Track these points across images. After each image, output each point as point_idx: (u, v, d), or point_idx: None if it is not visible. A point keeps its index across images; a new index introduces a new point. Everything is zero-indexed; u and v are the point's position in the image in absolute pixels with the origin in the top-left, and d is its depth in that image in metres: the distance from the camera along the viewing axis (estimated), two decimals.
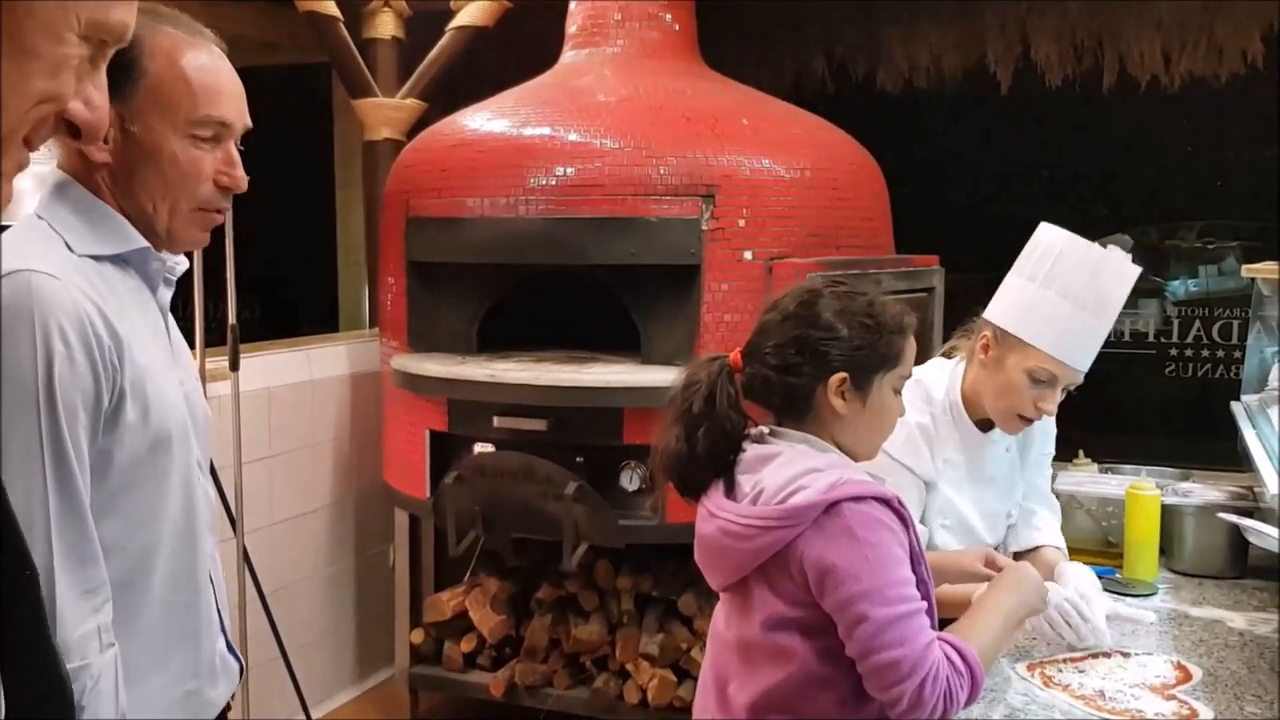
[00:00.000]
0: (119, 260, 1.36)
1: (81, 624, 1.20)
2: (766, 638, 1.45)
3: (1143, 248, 4.52)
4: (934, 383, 2.06)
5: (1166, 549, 2.32)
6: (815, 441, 1.50)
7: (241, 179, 1.40)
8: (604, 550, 3.38)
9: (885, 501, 1.41)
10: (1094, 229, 4.46)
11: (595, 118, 3.35)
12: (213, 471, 1.72)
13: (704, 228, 3.17)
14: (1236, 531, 2.17)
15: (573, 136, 3.31)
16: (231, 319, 3.05)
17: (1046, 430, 2.21)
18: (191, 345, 2.18)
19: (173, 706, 1.38)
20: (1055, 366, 1.93)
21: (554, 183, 3.25)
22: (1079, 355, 1.96)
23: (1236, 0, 4.17)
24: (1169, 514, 2.31)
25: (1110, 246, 2.00)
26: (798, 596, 1.42)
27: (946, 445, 2.02)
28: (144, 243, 1.37)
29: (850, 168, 3.53)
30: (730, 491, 1.50)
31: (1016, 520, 2.17)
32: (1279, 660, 1.81)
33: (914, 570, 1.42)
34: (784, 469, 1.45)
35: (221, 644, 1.48)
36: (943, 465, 2.01)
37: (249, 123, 1.42)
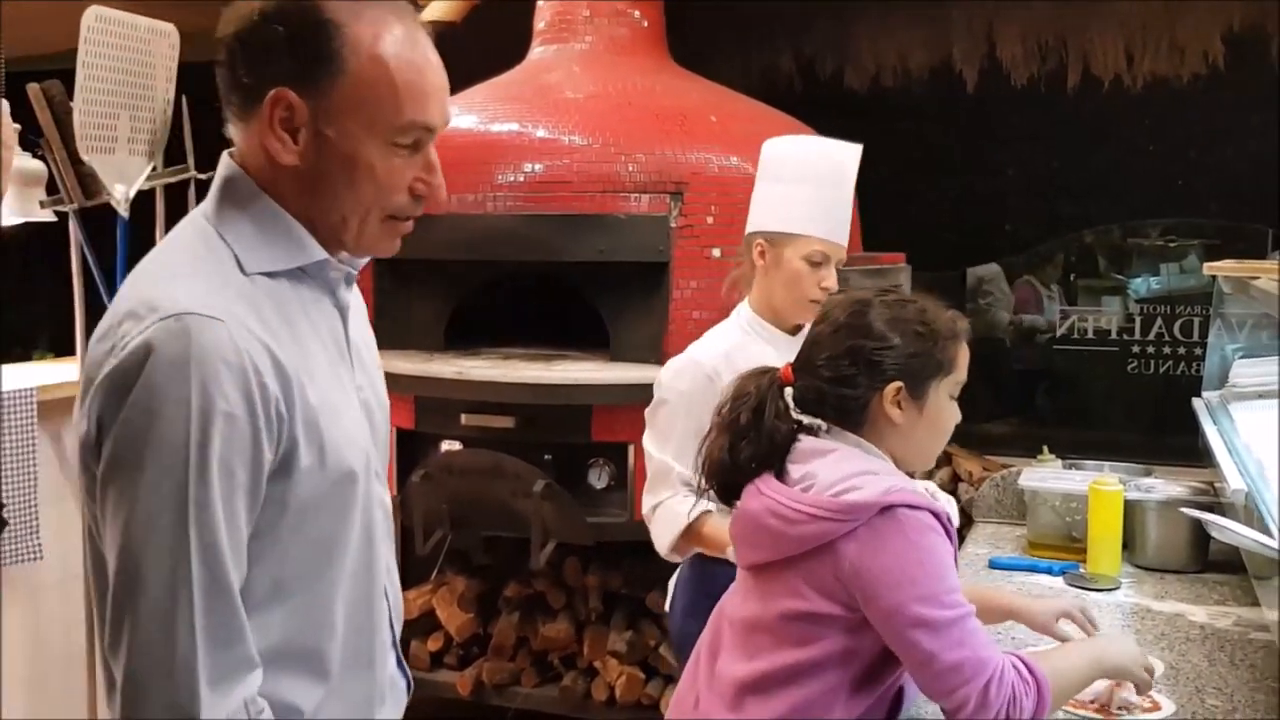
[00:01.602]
0: (295, 272, 1.22)
1: (223, 706, 1.09)
2: (782, 624, 1.44)
3: (1106, 246, 4.56)
4: (717, 330, 2.27)
5: (1129, 544, 2.35)
6: (869, 447, 1.50)
7: (440, 189, 1.23)
8: (572, 548, 3.37)
9: (936, 515, 1.40)
10: (1057, 227, 4.52)
11: (564, 114, 3.34)
12: None
13: (672, 225, 3.17)
14: (1198, 526, 2.20)
15: (541, 133, 3.30)
16: None
17: None
18: None
19: None
20: (824, 245, 2.16)
21: (522, 179, 3.24)
22: (838, 230, 2.19)
23: (1197, 1, 4.23)
24: (1132, 509, 2.34)
25: (825, 139, 2.33)
26: (835, 594, 1.40)
27: (766, 360, 2.05)
28: (320, 254, 1.22)
29: None
30: (780, 476, 1.50)
31: None
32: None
33: None
34: (839, 465, 1.45)
35: (393, 663, 1.36)
36: None
37: (449, 117, 1.25)
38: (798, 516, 1.41)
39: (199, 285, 1.13)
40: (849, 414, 1.50)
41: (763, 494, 1.48)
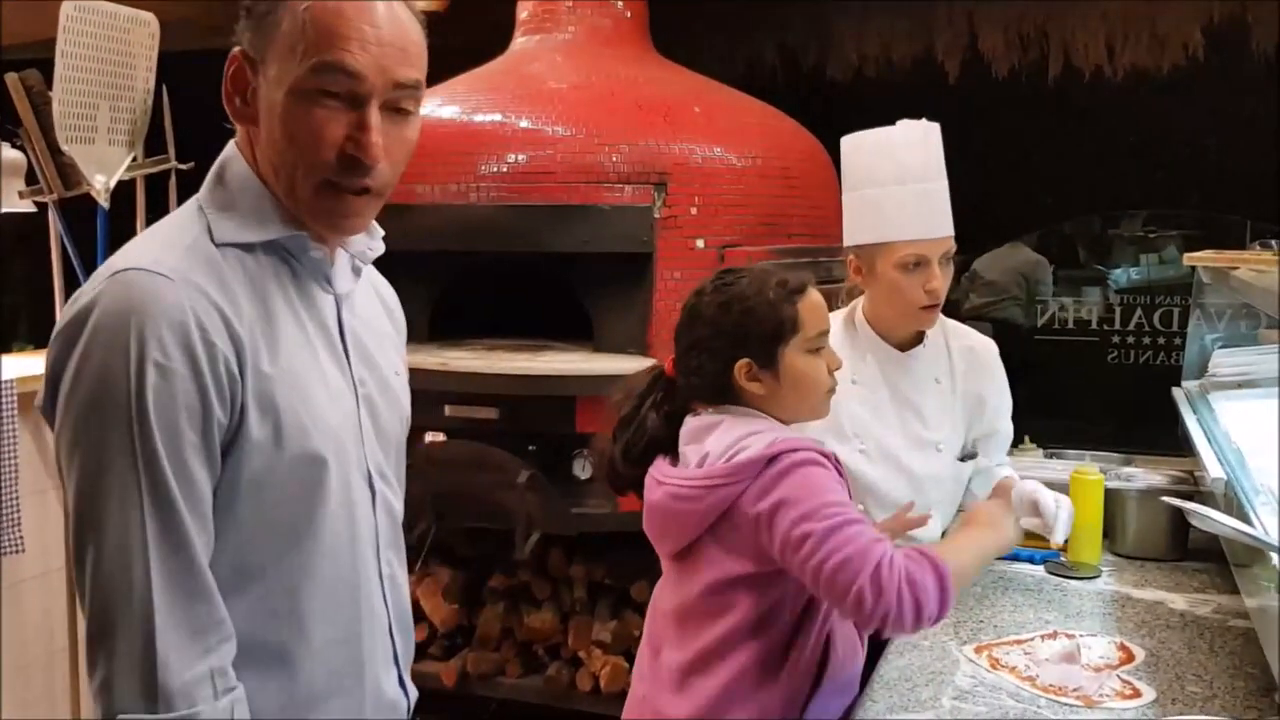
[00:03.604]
0: (273, 248, 1.20)
1: (188, 668, 1.08)
2: (707, 600, 1.51)
3: (1086, 237, 4.59)
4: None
5: (1110, 532, 2.36)
6: (750, 412, 1.58)
7: (369, 146, 1.15)
8: (556, 539, 3.37)
9: (823, 455, 1.49)
10: (1039, 217, 4.54)
11: (547, 105, 3.34)
12: None
13: (656, 215, 3.17)
14: (1178, 515, 2.22)
15: (524, 123, 3.29)
16: None
17: (999, 408, 2.21)
18: None
19: None
20: (914, 246, 2.00)
21: (505, 170, 3.23)
22: (926, 224, 2.02)
23: None
24: (1112, 498, 2.35)
25: (899, 122, 2.09)
26: (746, 549, 1.47)
27: (857, 366, 2.05)
28: (293, 230, 1.20)
29: (801, 156, 3.55)
30: (675, 462, 1.59)
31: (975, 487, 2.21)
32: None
33: None
34: (727, 434, 1.53)
35: (391, 678, 1.31)
36: (852, 386, 2.02)
37: (402, 78, 1.17)
38: (696, 492, 1.49)
39: (158, 248, 1.14)
40: (721, 393, 1.59)
41: (662, 483, 1.56)
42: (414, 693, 1.38)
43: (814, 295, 1.61)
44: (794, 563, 1.43)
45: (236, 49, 1.19)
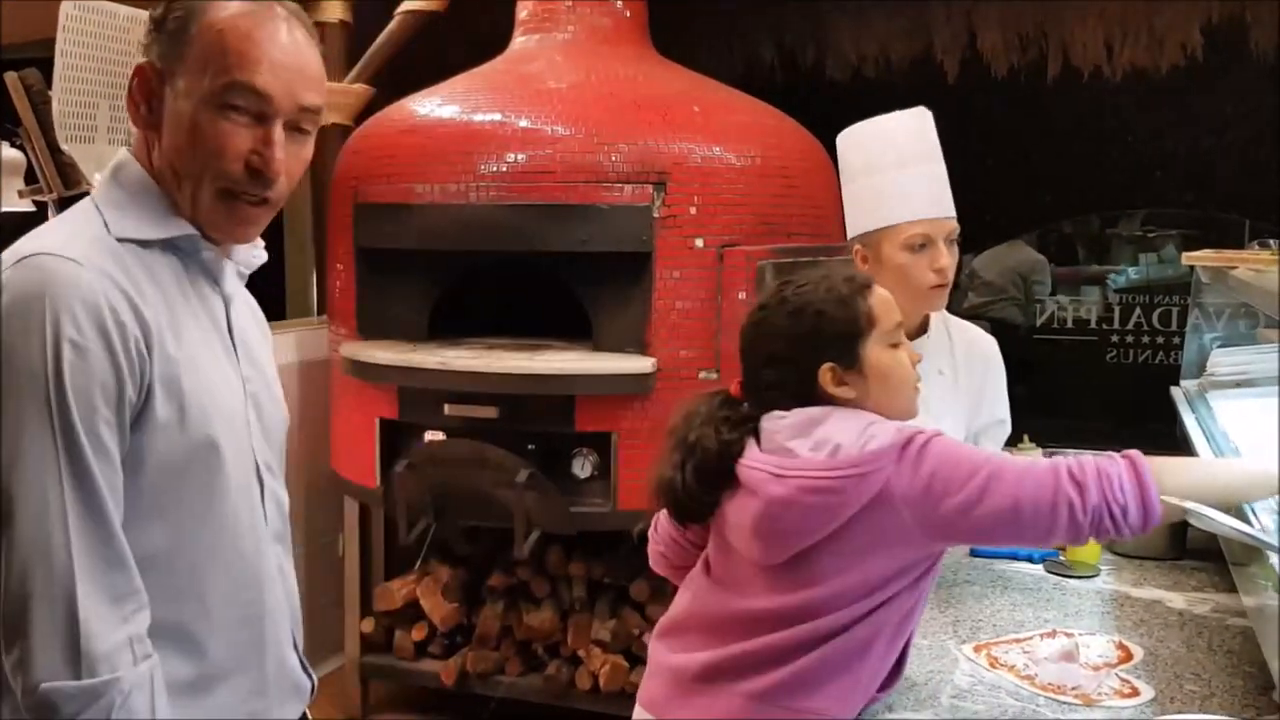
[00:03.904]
0: (168, 247, 1.26)
1: (110, 634, 1.12)
2: (818, 597, 1.44)
3: (1085, 236, 4.60)
4: None
5: None
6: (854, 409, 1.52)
7: (272, 161, 1.24)
8: (556, 537, 3.38)
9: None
10: (1038, 217, 4.55)
11: (546, 104, 3.34)
12: None
13: (655, 215, 3.17)
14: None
15: (524, 123, 3.29)
16: None
17: (1000, 400, 2.21)
18: None
19: None
20: (918, 226, 1.98)
21: (505, 169, 3.23)
22: (929, 204, 2.00)
23: None
24: None
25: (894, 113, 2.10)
26: (893, 536, 1.41)
27: None
28: (189, 229, 1.26)
29: (800, 156, 3.55)
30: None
31: None
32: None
33: None
34: (847, 423, 1.46)
35: (292, 660, 1.39)
36: None
37: (307, 103, 1.27)
38: (840, 482, 1.41)
39: (63, 237, 1.20)
40: (807, 403, 1.52)
41: (785, 477, 1.45)
42: (314, 677, 1.45)
43: (880, 289, 1.57)
44: (976, 518, 1.38)
45: (142, 61, 1.26)
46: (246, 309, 1.42)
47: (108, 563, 1.13)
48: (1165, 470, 1.43)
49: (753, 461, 1.50)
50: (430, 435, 3.35)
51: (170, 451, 1.19)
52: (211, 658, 1.25)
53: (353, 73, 4.28)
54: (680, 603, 1.63)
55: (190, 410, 1.20)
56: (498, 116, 3.33)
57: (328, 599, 3.95)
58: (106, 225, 1.23)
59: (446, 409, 3.26)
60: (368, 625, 3.65)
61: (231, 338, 1.33)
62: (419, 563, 3.73)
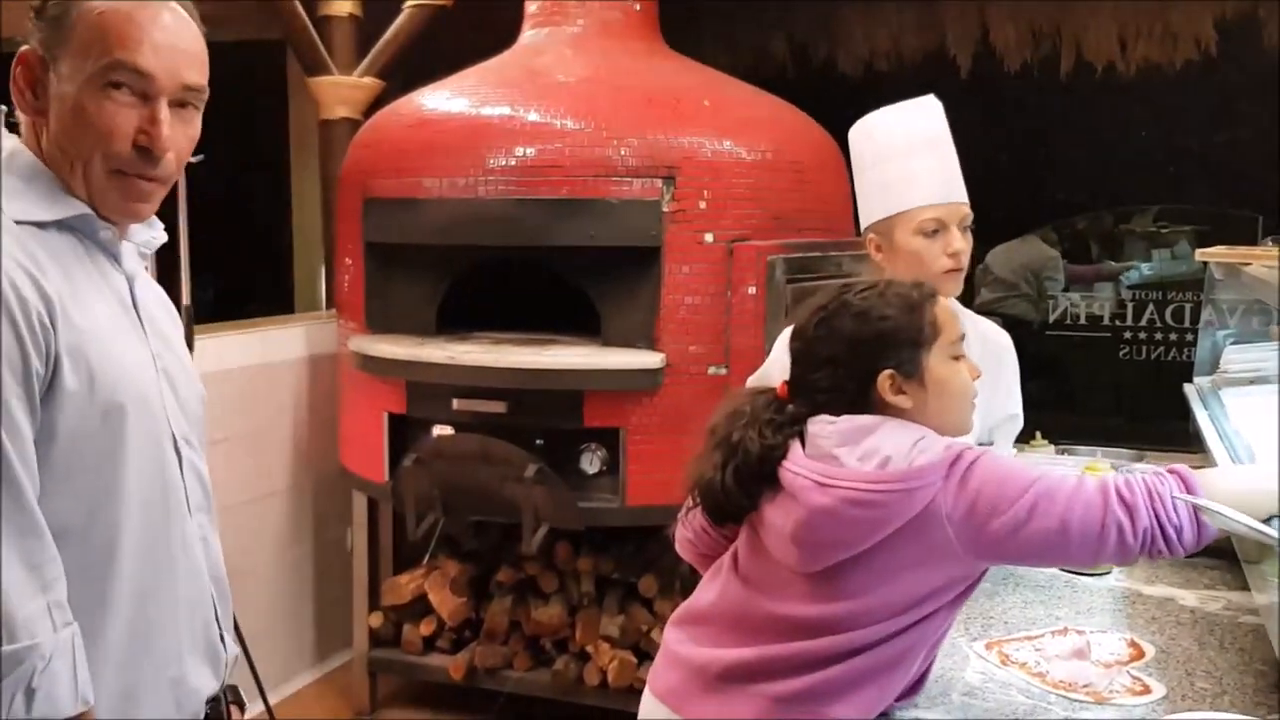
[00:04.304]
0: (65, 227, 1.28)
1: (28, 601, 1.14)
2: (855, 608, 1.42)
3: (1098, 232, 4.57)
4: None
5: None
6: (900, 420, 1.49)
7: (159, 139, 1.27)
8: (564, 532, 3.38)
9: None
10: (1050, 213, 4.52)
11: (555, 98, 3.33)
12: None
13: (665, 209, 3.16)
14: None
15: (532, 117, 3.28)
16: (186, 300, 3.01)
17: (1014, 394, 2.20)
18: None
19: (158, 692, 1.32)
20: (929, 212, 1.98)
21: (513, 163, 3.23)
22: (941, 189, 2.00)
23: None
24: None
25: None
26: (934, 554, 1.39)
27: None
28: (83, 209, 1.28)
29: (811, 150, 3.54)
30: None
31: None
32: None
33: None
34: (897, 435, 1.43)
35: (213, 630, 1.41)
36: None
37: (190, 82, 1.30)
38: (885, 497, 1.38)
39: None
40: (860, 411, 1.49)
41: (827, 485, 1.42)
42: (234, 648, 1.47)
43: (943, 300, 1.55)
44: (1023, 539, 1.36)
45: (25, 48, 1.29)
46: (152, 293, 1.44)
47: (22, 531, 1.15)
48: (1210, 481, 1.41)
49: (797, 467, 1.46)
50: (438, 430, 3.35)
51: (80, 420, 1.21)
52: (131, 623, 1.28)
53: (361, 66, 4.27)
54: (704, 594, 1.61)
55: (97, 377, 1.22)
56: (506, 110, 3.32)
57: (336, 593, 3.96)
58: (0, 209, 1.24)
59: (455, 404, 3.26)
60: (376, 619, 3.65)
61: (138, 313, 1.35)
62: (427, 557, 3.73)
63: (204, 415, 1.45)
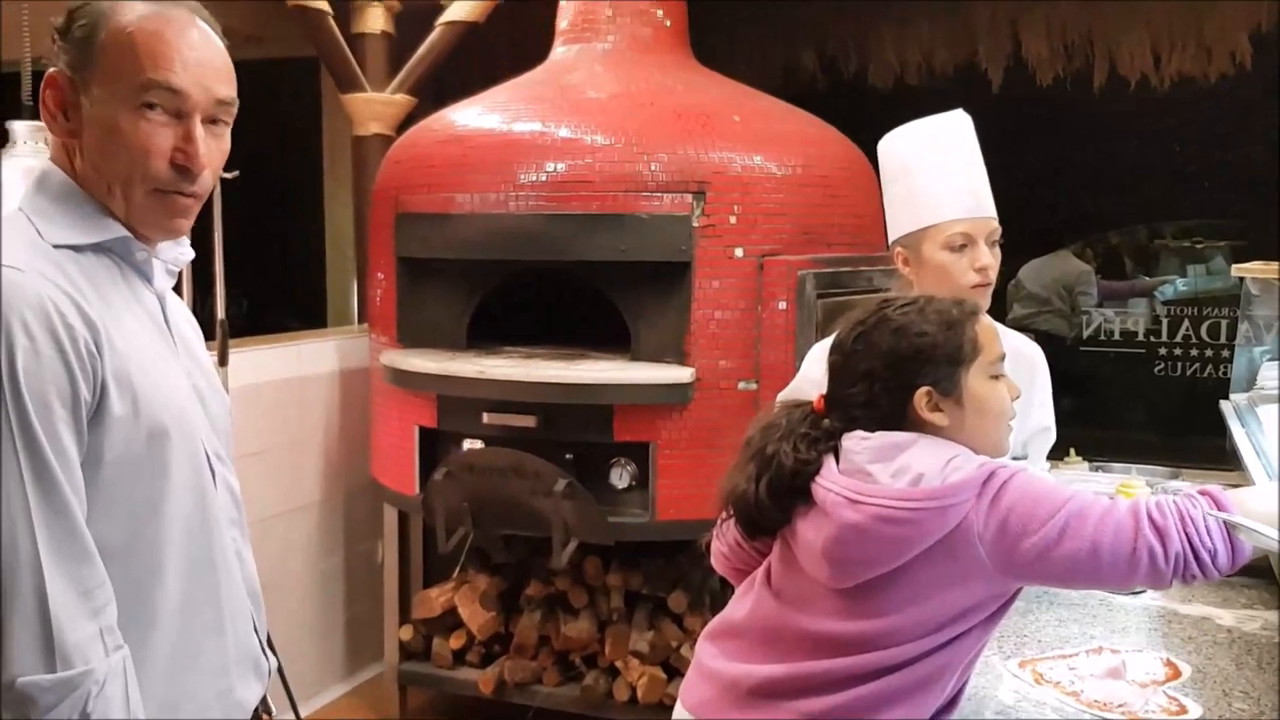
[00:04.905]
0: (101, 250, 1.29)
1: (81, 627, 1.15)
2: (868, 632, 1.42)
3: (1132, 247, 4.54)
4: None
5: None
6: (934, 438, 1.48)
7: (196, 156, 1.27)
8: (593, 547, 3.37)
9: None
10: (1082, 228, 4.50)
11: (586, 114, 3.34)
12: None
13: (695, 224, 3.16)
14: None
15: (563, 132, 3.30)
16: (220, 314, 3.04)
17: (1046, 407, 2.18)
18: None
19: (206, 706, 1.33)
20: (959, 225, 1.97)
21: (544, 179, 3.24)
22: (969, 204, 2.00)
23: (1224, 0, 4.19)
24: None
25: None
26: (983, 565, 1.38)
27: None
28: (120, 232, 1.29)
29: (841, 165, 3.53)
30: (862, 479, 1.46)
31: None
32: None
33: None
34: (933, 451, 1.43)
35: (254, 641, 1.43)
36: None
37: (222, 96, 1.30)
38: (918, 515, 1.37)
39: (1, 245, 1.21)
40: (896, 427, 1.48)
41: (862, 503, 1.41)
42: (274, 658, 1.48)
43: (986, 318, 1.54)
44: (1054, 560, 1.35)
45: (52, 70, 1.29)
46: (177, 306, 1.45)
47: (74, 557, 1.16)
48: (1243, 500, 1.39)
49: (829, 482, 1.46)
50: (469, 444, 3.36)
51: (126, 444, 1.22)
52: (177, 639, 1.29)
53: (394, 83, 4.31)
54: (738, 609, 1.61)
55: (141, 401, 1.23)
56: (537, 126, 3.34)
57: (367, 606, 3.98)
58: (40, 234, 1.25)
59: (485, 418, 3.27)
60: (406, 633, 3.67)
61: (170, 332, 1.36)
62: (457, 571, 3.74)
63: (231, 429, 1.47)
